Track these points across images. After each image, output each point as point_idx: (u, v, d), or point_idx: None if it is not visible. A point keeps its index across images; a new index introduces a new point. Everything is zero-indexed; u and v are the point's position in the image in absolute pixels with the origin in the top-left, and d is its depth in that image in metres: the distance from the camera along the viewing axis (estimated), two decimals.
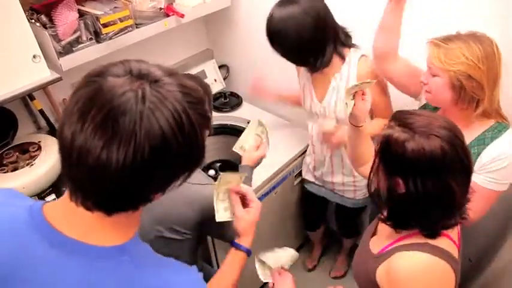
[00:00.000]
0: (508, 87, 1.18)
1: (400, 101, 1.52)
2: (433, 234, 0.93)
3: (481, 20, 1.28)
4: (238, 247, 1.06)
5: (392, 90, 1.54)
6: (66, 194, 0.65)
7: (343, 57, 1.52)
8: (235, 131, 2.18)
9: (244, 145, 1.48)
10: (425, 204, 0.88)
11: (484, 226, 1.65)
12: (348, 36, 1.52)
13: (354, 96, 1.28)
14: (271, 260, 1.14)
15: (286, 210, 2.15)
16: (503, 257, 1.43)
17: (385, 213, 0.99)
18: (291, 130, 2.05)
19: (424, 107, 1.40)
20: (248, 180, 1.40)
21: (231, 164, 2.22)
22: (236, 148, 1.46)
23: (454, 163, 0.85)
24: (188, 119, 0.59)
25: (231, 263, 1.06)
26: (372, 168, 0.97)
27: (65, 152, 0.57)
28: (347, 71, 1.53)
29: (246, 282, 2.13)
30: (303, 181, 2.04)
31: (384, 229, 1.07)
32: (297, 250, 2.45)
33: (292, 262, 1.14)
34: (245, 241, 1.07)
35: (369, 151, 1.32)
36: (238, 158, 2.20)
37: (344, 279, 2.38)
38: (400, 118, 0.90)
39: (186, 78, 0.65)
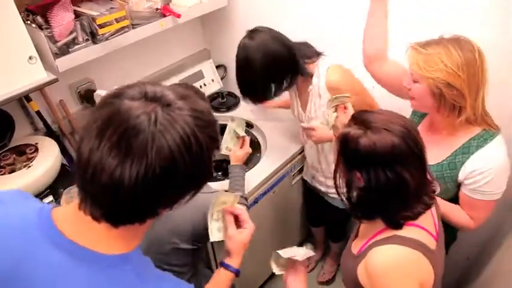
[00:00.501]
0: (500, 92, 1.17)
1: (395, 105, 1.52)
2: (397, 225, 0.96)
3: (477, 21, 1.29)
4: (227, 267, 1.06)
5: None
6: (75, 202, 0.68)
7: (310, 74, 1.52)
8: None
9: (228, 145, 1.58)
10: (383, 195, 0.93)
11: (482, 225, 1.66)
12: (311, 50, 1.53)
13: (335, 108, 1.31)
14: (286, 253, 1.15)
15: (285, 210, 2.15)
16: (502, 255, 1.44)
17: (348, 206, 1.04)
18: (288, 129, 2.05)
19: (414, 112, 1.41)
20: (241, 179, 1.45)
21: (228, 164, 2.22)
22: (222, 150, 1.56)
23: (406, 155, 0.89)
24: (196, 141, 0.63)
25: (218, 283, 1.06)
26: (335, 166, 1.02)
27: (81, 166, 0.61)
28: (317, 83, 1.52)
29: (249, 282, 2.14)
30: (304, 180, 2.05)
31: (363, 230, 1.11)
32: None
33: (306, 256, 1.15)
34: (235, 262, 1.07)
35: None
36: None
37: (331, 285, 2.39)
38: (358, 117, 0.96)
39: (197, 100, 0.69)
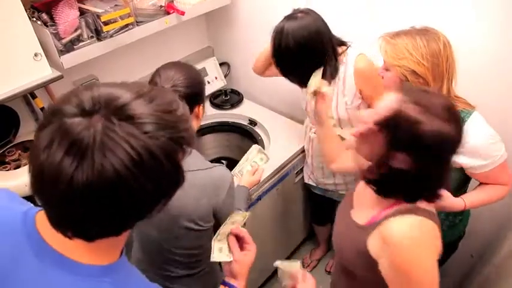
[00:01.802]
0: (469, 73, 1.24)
1: None
2: (415, 201, 0.96)
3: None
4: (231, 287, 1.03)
5: None
6: None
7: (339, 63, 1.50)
8: (236, 129, 2.19)
9: (242, 170, 1.55)
10: (420, 181, 0.91)
11: (485, 222, 1.66)
12: (340, 41, 1.50)
13: (314, 95, 1.35)
14: (285, 267, 1.19)
15: (288, 208, 2.16)
16: (505, 252, 1.44)
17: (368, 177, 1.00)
18: (291, 127, 2.05)
19: None
20: (245, 200, 1.45)
21: (232, 162, 2.22)
22: (235, 172, 1.53)
23: (457, 144, 0.89)
24: (149, 154, 0.57)
25: None
26: (362, 133, 0.96)
27: (37, 182, 0.58)
28: (343, 72, 1.50)
29: (251, 281, 2.14)
30: (307, 185, 2.04)
31: (363, 200, 1.09)
32: (299, 246, 2.49)
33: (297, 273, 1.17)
34: (241, 284, 1.03)
35: (336, 149, 1.40)
36: (240, 156, 2.21)
37: None
38: (415, 96, 0.88)
39: (161, 95, 0.63)
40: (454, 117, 0.87)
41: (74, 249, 0.65)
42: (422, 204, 0.96)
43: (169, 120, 0.61)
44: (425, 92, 0.91)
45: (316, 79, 1.37)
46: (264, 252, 2.16)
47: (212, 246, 1.08)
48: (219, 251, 1.09)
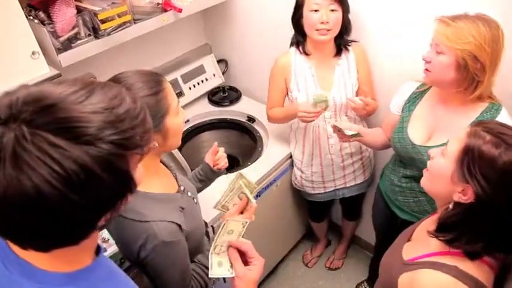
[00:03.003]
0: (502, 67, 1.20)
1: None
2: (473, 256, 0.89)
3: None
4: None
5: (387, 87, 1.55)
6: None
7: (346, 46, 1.65)
8: (235, 125, 2.19)
9: (226, 204, 1.17)
10: (490, 219, 0.84)
11: None
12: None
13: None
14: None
15: (287, 204, 2.16)
16: None
17: (430, 225, 0.95)
18: (289, 123, 2.05)
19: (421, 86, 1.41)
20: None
21: (231, 158, 2.23)
22: (216, 206, 1.15)
23: None
24: (78, 167, 0.50)
25: None
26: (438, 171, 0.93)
27: None
28: (346, 57, 1.65)
29: None
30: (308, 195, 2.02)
31: (420, 237, 1.06)
32: (298, 242, 2.50)
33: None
34: None
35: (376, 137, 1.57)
36: (239, 153, 2.22)
37: (339, 270, 2.41)
38: (492, 128, 0.85)
39: (102, 89, 0.57)
40: None
41: (38, 256, 0.60)
42: (469, 268, 0.88)
43: (109, 120, 0.54)
44: (499, 125, 0.88)
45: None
46: (263, 250, 2.17)
47: (210, 260, 0.95)
48: (218, 266, 0.95)
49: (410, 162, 1.40)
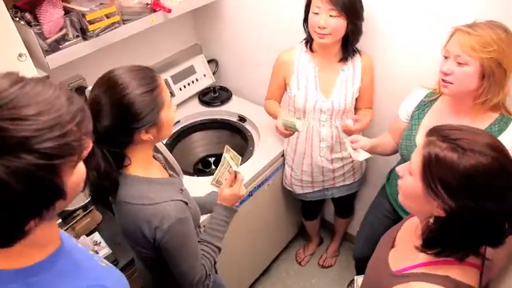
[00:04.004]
0: None
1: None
2: (461, 258, 0.88)
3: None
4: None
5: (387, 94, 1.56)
6: None
7: (355, 51, 1.63)
8: (226, 125, 2.19)
9: (219, 178, 1.32)
10: (472, 225, 0.82)
11: None
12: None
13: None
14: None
15: (279, 203, 2.17)
16: None
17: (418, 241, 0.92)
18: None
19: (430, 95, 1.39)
20: (222, 225, 1.27)
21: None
22: (212, 183, 1.33)
23: (508, 176, 0.80)
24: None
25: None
26: (409, 190, 0.91)
27: None
28: (352, 64, 1.63)
29: (244, 277, 2.15)
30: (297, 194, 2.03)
31: (404, 244, 1.04)
32: (291, 241, 2.51)
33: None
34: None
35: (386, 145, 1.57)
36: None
37: (332, 268, 2.42)
38: (445, 134, 0.83)
39: (21, 94, 0.55)
40: (497, 152, 0.79)
41: None
42: (459, 275, 0.88)
43: (37, 129, 0.53)
44: (454, 129, 0.85)
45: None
46: (256, 250, 2.17)
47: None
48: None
49: None
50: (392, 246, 1.09)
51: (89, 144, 0.64)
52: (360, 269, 1.91)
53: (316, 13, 1.47)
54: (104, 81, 1.00)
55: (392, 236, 1.11)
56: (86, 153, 0.63)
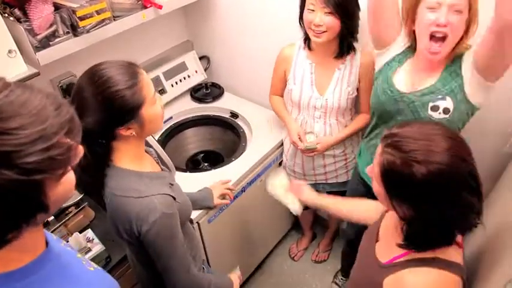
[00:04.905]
0: None
1: None
2: (448, 243, 0.91)
3: None
4: None
5: None
6: None
7: (352, 49, 1.61)
8: (218, 122, 2.20)
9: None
10: (440, 221, 0.86)
11: None
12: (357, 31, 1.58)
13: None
14: None
15: (272, 198, 2.17)
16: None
17: (399, 240, 0.95)
18: (272, 118, 2.06)
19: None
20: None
21: (215, 155, 2.23)
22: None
23: (463, 178, 0.83)
24: None
25: None
26: (377, 194, 0.94)
27: None
28: (350, 62, 1.62)
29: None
30: None
31: (388, 236, 1.06)
32: (284, 237, 2.52)
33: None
34: None
35: (346, 213, 1.39)
36: (223, 149, 2.22)
37: (325, 262, 2.44)
38: (397, 145, 0.85)
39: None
40: (450, 160, 0.82)
41: None
42: (445, 254, 0.91)
43: (19, 143, 0.51)
44: (407, 138, 0.86)
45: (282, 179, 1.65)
46: (249, 246, 2.19)
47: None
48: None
49: (396, 115, 1.35)
50: (377, 240, 1.10)
51: (79, 152, 0.61)
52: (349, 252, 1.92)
53: (311, 10, 1.46)
54: (88, 74, 1.00)
55: (376, 228, 1.13)
56: (76, 160, 0.61)
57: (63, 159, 0.57)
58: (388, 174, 0.87)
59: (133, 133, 1.02)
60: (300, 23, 1.59)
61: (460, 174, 0.83)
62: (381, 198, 0.94)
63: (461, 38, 1.17)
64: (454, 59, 1.25)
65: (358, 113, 1.76)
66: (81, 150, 0.63)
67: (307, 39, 1.63)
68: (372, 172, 0.94)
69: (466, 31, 1.16)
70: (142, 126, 1.03)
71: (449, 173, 0.81)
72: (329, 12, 1.43)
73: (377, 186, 0.93)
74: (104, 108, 0.96)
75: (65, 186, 0.62)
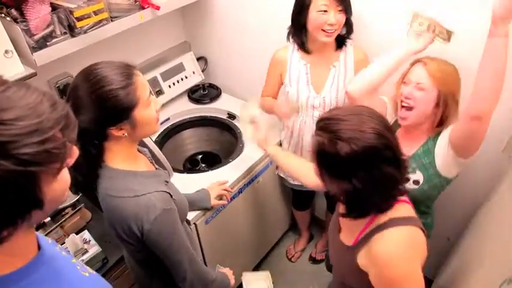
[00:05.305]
0: None
1: None
2: (387, 208, 1.01)
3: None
4: None
5: None
6: None
7: (343, 46, 1.63)
8: (215, 123, 2.19)
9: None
10: (376, 190, 0.96)
11: (462, 206, 1.72)
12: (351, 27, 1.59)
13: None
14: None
15: (269, 200, 2.18)
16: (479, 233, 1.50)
17: (342, 209, 1.07)
18: (269, 119, 2.06)
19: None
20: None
21: (212, 156, 2.23)
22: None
23: (382, 152, 0.92)
24: None
25: None
26: (319, 176, 1.03)
27: None
28: (344, 59, 1.63)
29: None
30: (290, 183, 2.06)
31: (347, 223, 1.14)
32: (281, 238, 2.52)
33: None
34: None
35: (295, 167, 1.54)
36: (220, 150, 2.22)
37: (323, 263, 2.43)
38: (325, 127, 0.96)
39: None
40: (376, 133, 0.92)
41: None
42: (396, 213, 1.01)
43: (16, 134, 0.52)
44: (334, 120, 0.96)
45: (250, 109, 1.56)
46: (247, 247, 2.18)
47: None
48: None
49: None
50: (340, 230, 1.17)
51: (74, 152, 0.62)
52: None
53: (324, 11, 1.46)
54: (84, 73, 1.00)
55: (336, 221, 1.20)
56: (71, 160, 0.61)
57: (59, 154, 0.57)
58: (319, 153, 0.97)
59: (125, 134, 1.02)
60: (296, 27, 1.58)
61: (378, 149, 0.91)
62: (318, 177, 1.03)
63: (442, 121, 1.30)
64: (436, 136, 1.34)
65: None
66: (76, 151, 0.63)
67: (302, 43, 1.62)
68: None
69: (446, 118, 1.30)
70: (135, 127, 1.02)
71: (369, 148, 0.90)
72: (341, 10, 1.47)
73: (314, 167, 1.02)
74: (97, 106, 0.96)
75: (61, 185, 0.62)
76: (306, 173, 1.44)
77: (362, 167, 0.92)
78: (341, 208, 1.09)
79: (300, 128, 1.77)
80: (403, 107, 1.32)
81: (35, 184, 0.56)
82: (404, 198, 1.05)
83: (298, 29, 1.58)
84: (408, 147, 1.33)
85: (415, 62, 1.31)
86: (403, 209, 1.03)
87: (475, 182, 1.62)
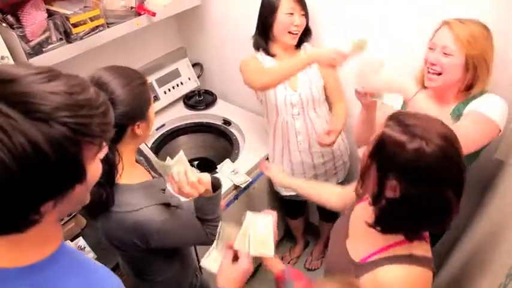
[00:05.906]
0: None
1: None
2: (416, 238, 0.94)
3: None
4: None
5: None
6: None
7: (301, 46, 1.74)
8: (210, 129, 2.20)
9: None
10: (418, 209, 0.86)
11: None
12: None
13: None
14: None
15: (264, 206, 2.17)
16: (475, 235, 1.50)
17: (369, 218, 0.97)
18: (265, 126, 2.07)
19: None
20: None
21: (208, 162, 2.23)
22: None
23: (451, 171, 0.84)
24: (28, 142, 0.50)
25: None
26: (362, 169, 0.94)
27: None
28: (305, 54, 1.71)
29: None
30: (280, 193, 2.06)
31: (359, 231, 1.06)
32: (277, 245, 2.51)
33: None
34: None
35: (314, 196, 1.47)
36: (215, 156, 2.22)
37: (318, 270, 2.43)
38: (400, 119, 0.86)
39: (67, 77, 0.58)
40: (446, 140, 0.83)
41: None
42: (419, 250, 0.94)
43: (67, 103, 0.54)
44: (411, 116, 0.88)
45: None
46: None
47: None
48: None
49: None
50: (347, 236, 1.11)
51: (109, 135, 0.63)
52: None
53: (290, 13, 1.58)
54: (107, 70, 1.05)
55: (345, 225, 1.13)
56: (103, 152, 0.63)
57: (101, 133, 0.59)
58: (384, 142, 0.86)
59: (141, 132, 1.04)
60: (262, 30, 1.67)
61: (449, 162, 0.82)
62: (362, 174, 0.94)
63: (472, 84, 1.24)
64: (466, 101, 1.27)
65: (331, 106, 1.82)
66: (106, 147, 0.65)
67: (263, 48, 1.71)
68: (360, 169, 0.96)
69: (476, 81, 1.24)
70: (147, 127, 1.06)
71: (439, 157, 0.81)
72: (303, 14, 1.62)
73: (366, 161, 0.92)
74: (131, 100, 0.99)
75: (96, 169, 0.64)
76: (327, 198, 1.41)
77: (426, 174, 0.82)
78: (368, 217, 0.98)
79: (282, 128, 1.79)
80: (429, 73, 1.26)
81: (82, 154, 0.57)
82: (426, 233, 0.98)
83: (263, 33, 1.68)
84: (438, 112, 1.25)
85: (442, 25, 1.23)
86: (425, 247, 0.95)
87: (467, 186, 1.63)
